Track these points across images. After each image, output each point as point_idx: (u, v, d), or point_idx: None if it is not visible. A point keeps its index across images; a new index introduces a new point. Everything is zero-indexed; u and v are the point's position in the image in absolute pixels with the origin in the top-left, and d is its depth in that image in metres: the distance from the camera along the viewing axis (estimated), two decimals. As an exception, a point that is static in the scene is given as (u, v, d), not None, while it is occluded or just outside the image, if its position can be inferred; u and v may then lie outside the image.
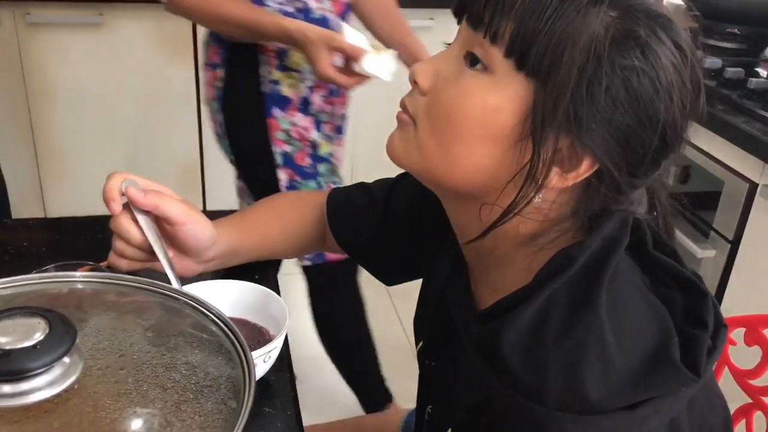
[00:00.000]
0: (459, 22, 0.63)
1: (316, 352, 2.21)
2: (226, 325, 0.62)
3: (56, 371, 0.52)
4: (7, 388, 0.50)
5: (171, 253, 0.83)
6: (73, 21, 2.31)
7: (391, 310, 2.38)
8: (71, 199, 2.55)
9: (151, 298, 0.65)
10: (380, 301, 2.41)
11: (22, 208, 2.48)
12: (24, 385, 0.50)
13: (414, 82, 0.63)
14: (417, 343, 0.83)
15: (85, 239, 1.09)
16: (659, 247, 0.66)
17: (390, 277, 0.95)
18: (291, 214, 0.98)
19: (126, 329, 0.60)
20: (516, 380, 0.56)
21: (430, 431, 0.77)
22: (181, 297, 0.65)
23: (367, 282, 2.49)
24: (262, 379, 0.77)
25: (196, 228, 0.83)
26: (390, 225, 0.89)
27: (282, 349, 0.80)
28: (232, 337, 0.61)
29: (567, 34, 0.54)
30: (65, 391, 0.51)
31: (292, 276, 2.64)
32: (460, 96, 0.59)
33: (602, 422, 0.54)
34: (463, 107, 0.59)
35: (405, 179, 0.90)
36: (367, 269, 0.96)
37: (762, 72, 1.82)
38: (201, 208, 2.55)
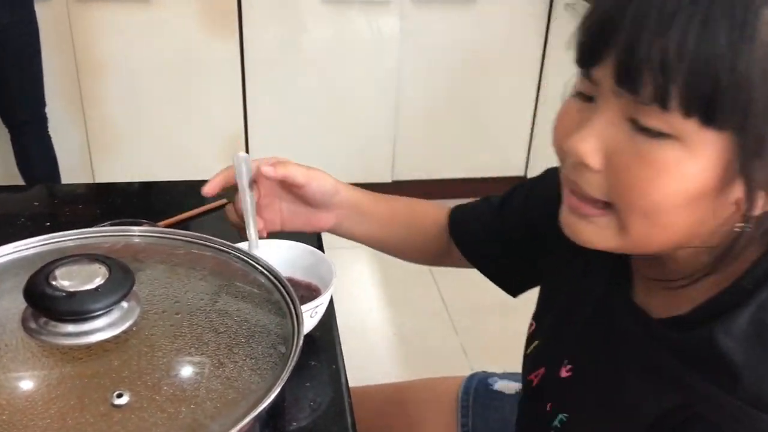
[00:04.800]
0: (585, 75, 0.56)
1: (361, 322, 2.25)
2: (275, 278, 0.64)
3: (116, 314, 0.54)
4: (71, 328, 0.53)
5: (304, 213, 0.88)
6: (121, -4, 2.36)
7: (432, 287, 2.40)
8: (119, 169, 2.61)
9: (204, 252, 0.68)
10: (421, 279, 2.43)
11: (72, 178, 2.55)
12: (86, 326, 0.53)
13: (580, 163, 0.56)
14: (528, 346, 0.82)
15: (137, 202, 1.13)
16: None
17: (515, 288, 0.93)
18: (420, 214, 0.98)
19: (180, 279, 0.63)
20: (742, 388, 0.54)
21: None
22: (232, 251, 0.68)
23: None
24: (308, 334, 0.79)
25: (319, 184, 0.87)
26: (507, 234, 0.88)
27: (328, 307, 0.82)
28: (281, 288, 0.63)
29: (751, 70, 0.48)
30: (124, 332, 0.54)
31: (343, 250, 2.69)
32: (655, 175, 0.53)
33: None
34: (662, 185, 0.53)
35: (519, 188, 0.88)
36: (494, 282, 0.94)
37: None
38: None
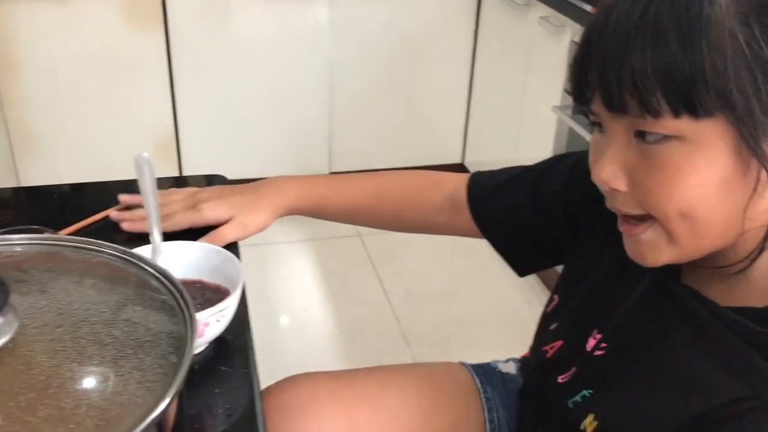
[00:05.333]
0: (590, 110, 0.61)
1: (301, 317, 2.22)
2: (171, 283, 0.61)
3: (-12, 331, 0.51)
4: (-63, 349, 0.49)
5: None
6: (38, -9, 2.26)
7: (373, 277, 2.38)
8: (45, 171, 2.52)
9: (95, 258, 0.64)
10: (362, 270, 2.41)
11: (-3, 182, 2.45)
12: (-45, 346, 0.49)
13: (610, 189, 0.61)
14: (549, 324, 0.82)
15: (64, 205, 1.07)
16: None
17: (527, 266, 0.93)
18: (419, 187, 0.98)
19: (66, 288, 0.59)
20: None
21: (578, 410, 0.73)
22: (126, 256, 0.64)
23: (349, 251, 2.50)
24: (219, 338, 0.76)
25: (256, 231, 0.94)
26: (539, 212, 0.86)
27: (241, 309, 0.79)
28: (176, 293, 0.60)
29: (713, 58, 0.52)
30: (-2, 350, 0.50)
31: (281, 245, 2.65)
32: (670, 177, 0.57)
33: None
34: (680, 184, 0.56)
35: (555, 165, 0.88)
36: (505, 257, 0.93)
37: None
38: (177, 174, 2.53)
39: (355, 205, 0.98)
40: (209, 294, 0.78)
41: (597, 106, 0.59)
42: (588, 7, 1.87)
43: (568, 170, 0.84)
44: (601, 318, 0.73)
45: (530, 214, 0.87)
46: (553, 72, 2.02)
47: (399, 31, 2.57)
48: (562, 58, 1.97)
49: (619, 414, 0.68)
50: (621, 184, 0.60)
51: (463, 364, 1.02)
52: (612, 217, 0.68)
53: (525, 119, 2.29)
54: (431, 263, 2.46)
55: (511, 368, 1.01)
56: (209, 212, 0.91)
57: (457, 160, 2.85)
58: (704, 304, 0.64)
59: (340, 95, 2.63)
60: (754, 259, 0.60)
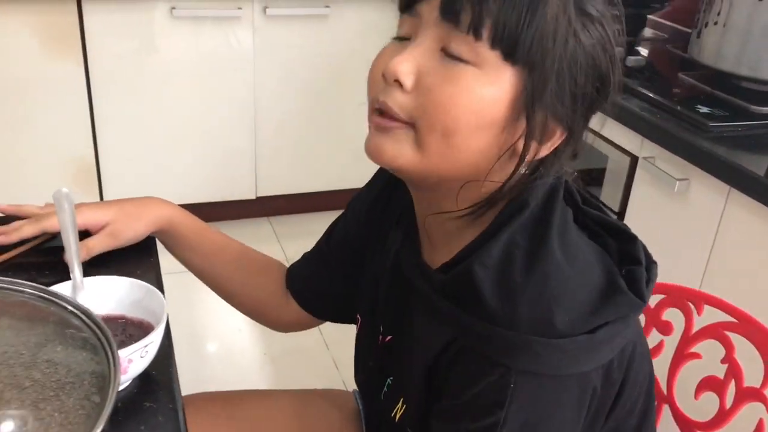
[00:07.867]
0: (409, 13, 0.64)
1: (229, 345, 2.20)
2: (92, 321, 0.61)
3: None
4: None
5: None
6: (-52, 15, 2.19)
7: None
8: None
9: (12, 298, 0.63)
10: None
11: None
12: None
13: (395, 81, 0.62)
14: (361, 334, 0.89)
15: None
16: (586, 202, 0.74)
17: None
18: (256, 262, 1.02)
19: (-18, 331, 0.58)
20: (489, 311, 0.62)
21: (388, 400, 0.80)
22: (44, 295, 0.63)
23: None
24: (144, 373, 0.76)
25: (127, 238, 0.93)
26: (338, 263, 0.92)
27: (165, 343, 0.79)
28: (98, 332, 0.60)
29: (547, 22, 0.58)
30: None
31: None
32: (457, 93, 0.60)
33: (567, 345, 0.61)
34: (462, 103, 0.60)
35: (336, 223, 0.93)
36: (335, 321, 0.98)
37: (640, 51, 1.90)
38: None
39: (220, 248, 1.00)
40: (132, 329, 0.77)
41: (426, 9, 0.62)
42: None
43: (343, 219, 0.92)
44: (377, 314, 0.82)
45: (332, 271, 0.93)
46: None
47: (322, 55, 2.59)
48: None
49: (406, 392, 0.76)
50: (408, 82, 0.62)
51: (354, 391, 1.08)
52: (384, 226, 0.79)
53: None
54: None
55: None
56: (83, 214, 0.88)
57: (382, 183, 2.88)
58: (420, 269, 0.71)
59: (266, 120, 2.63)
60: (468, 213, 0.67)
